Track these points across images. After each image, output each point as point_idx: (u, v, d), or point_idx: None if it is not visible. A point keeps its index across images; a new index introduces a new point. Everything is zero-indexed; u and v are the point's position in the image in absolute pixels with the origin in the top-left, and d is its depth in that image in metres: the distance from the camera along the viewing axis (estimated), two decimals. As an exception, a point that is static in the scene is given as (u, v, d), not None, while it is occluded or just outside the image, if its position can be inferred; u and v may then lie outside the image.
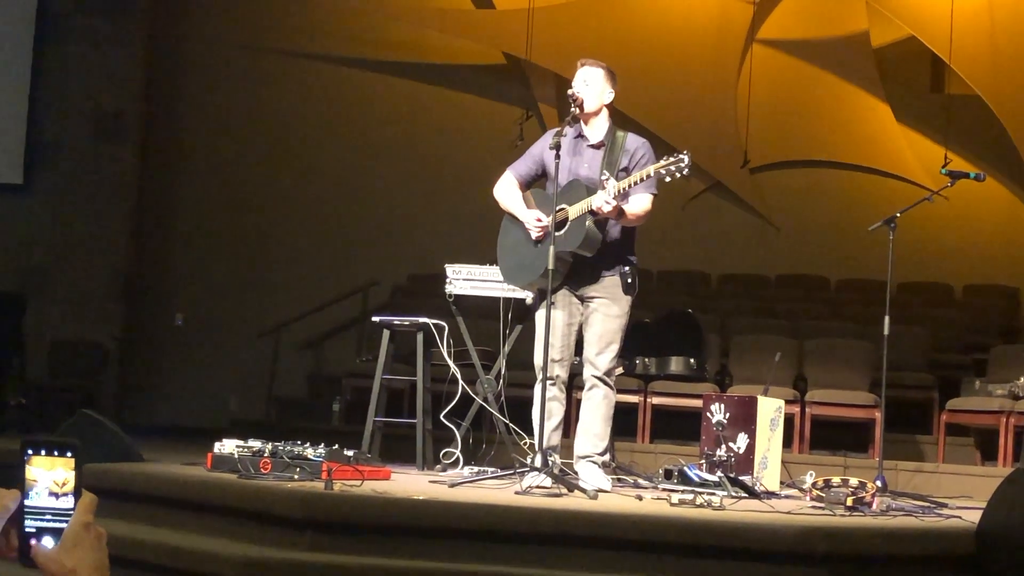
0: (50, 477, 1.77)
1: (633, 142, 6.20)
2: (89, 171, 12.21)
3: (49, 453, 1.78)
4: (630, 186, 5.91)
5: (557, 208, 5.95)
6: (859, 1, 12.31)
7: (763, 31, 12.60)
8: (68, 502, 1.77)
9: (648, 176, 5.91)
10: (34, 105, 12.33)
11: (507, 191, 6.40)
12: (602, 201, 5.83)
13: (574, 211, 5.98)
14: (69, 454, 1.79)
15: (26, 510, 1.76)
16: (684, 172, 5.87)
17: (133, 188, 12.52)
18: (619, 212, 5.93)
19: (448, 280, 7.29)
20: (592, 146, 6.20)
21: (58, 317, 11.73)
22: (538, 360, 6.04)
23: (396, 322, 7.44)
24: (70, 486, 1.78)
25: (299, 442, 6.03)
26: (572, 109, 6.08)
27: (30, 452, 1.78)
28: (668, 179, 5.91)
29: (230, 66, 12.91)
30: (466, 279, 7.26)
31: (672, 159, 5.86)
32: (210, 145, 12.90)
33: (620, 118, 10.86)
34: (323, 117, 12.86)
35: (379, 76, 12.90)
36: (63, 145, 12.26)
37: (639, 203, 6.04)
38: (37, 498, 1.76)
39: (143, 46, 12.62)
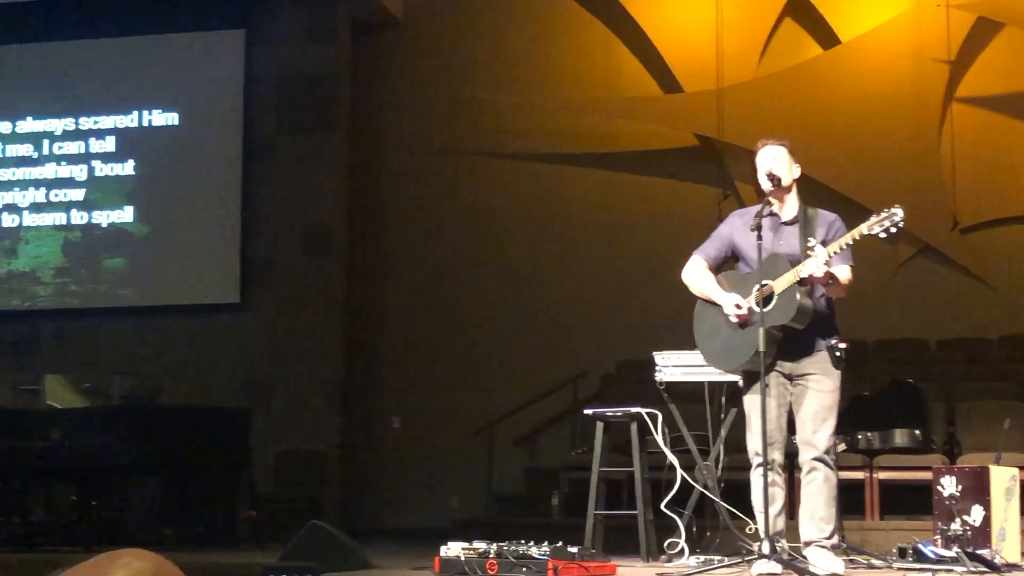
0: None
1: (827, 216, 6.15)
2: (301, 285, 12.61)
3: (287, 578, 1.81)
4: (840, 248, 5.82)
5: (761, 284, 5.89)
6: (1057, 50, 11.96)
7: (961, 89, 12.30)
8: None
9: (860, 236, 5.81)
10: (246, 225, 12.84)
11: (698, 275, 6.31)
12: (815, 266, 5.74)
13: (780, 284, 5.88)
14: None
15: None
16: (899, 226, 5.74)
17: (343, 298, 12.88)
18: (828, 278, 5.83)
19: (658, 368, 7.28)
20: (786, 223, 6.12)
21: (281, 429, 12.07)
22: (753, 445, 5.94)
23: (609, 413, 7.44)
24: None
25: (522, 540, 6.03)
26: (770, 188, 6.04)
27: (270, 578, 1.81)
28: (883, 235, 5.79)
29: (428, 172, 13.22)
30: (676, 365, 7.25)
31: (884, 214, 5.73)
32: (414, 250, 13.18)
33: (827, 192, 10.73)
34: (522, 213, 13.02)
35: (575, 169, 13.01)
36: (275, 262, 12.71)
37: (843, 273, 5.96)
38: None
39: (344, 160, 13.05)
